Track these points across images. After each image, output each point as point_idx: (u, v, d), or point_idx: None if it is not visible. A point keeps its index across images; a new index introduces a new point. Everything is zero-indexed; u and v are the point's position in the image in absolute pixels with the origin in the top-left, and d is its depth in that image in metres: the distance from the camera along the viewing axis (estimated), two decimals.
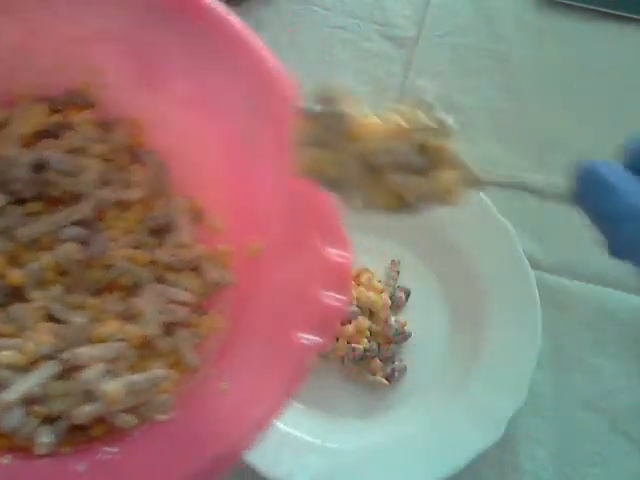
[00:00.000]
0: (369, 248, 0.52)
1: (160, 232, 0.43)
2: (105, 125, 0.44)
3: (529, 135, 0.58)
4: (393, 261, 0.53)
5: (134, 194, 0.43)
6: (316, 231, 0.36)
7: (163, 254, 0.42)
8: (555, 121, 0.58)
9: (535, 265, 0.52)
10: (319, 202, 0.37)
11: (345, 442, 0.48)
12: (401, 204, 0.31)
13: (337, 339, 0.50)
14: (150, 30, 0.41)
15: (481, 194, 0.52)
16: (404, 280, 0.52)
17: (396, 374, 0.50)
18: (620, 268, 0.54)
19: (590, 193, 0.28)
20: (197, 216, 0.43)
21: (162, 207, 0.44)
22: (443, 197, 0.32)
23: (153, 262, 0.42)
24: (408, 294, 0.52)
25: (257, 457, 0.46)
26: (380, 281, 0.52)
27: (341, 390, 0.50)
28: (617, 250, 0.27)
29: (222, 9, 0.40)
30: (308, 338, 0.34)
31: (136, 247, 0.42)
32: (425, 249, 0.53)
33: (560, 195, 0.30)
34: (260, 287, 0.38)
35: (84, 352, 0.37)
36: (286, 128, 0.36)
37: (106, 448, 0.35)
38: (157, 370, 0.38)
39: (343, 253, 0.36)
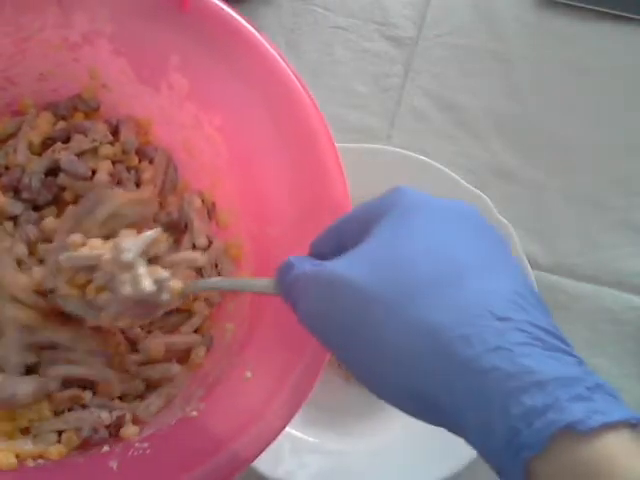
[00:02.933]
0: None
1: (175, 229, 0.43)
2: (111, 126, 0.45)
3: (529, 135, 0.58)
4: None
5: (145, 192, 0.43)
6: (327, 215, 0.37)
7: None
8: (555, 121, 0.58)
9: (535, 265, 0.52)
10: (329, 190, 0.38)
11: (345, 442, 0.48)
12: None
13: None
14: (138, 28, 0.41)
15: (481, 194, 0.52)
16: None
17: None
18: (620, 268, 0.54)
19: (280, 276, 0.31)
20: (209, 211, 0.44)
21: (175, 204, 0.44)
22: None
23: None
24: None
25: None
26: None
27: (341, 390, 0.50)
28: (301, 319, 0.30)
29: (222, 5, 0.40)
30: None
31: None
32: None
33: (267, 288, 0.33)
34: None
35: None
36: (285, 122, 0.38)
37: (137, 444, 0.36)
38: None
39: None
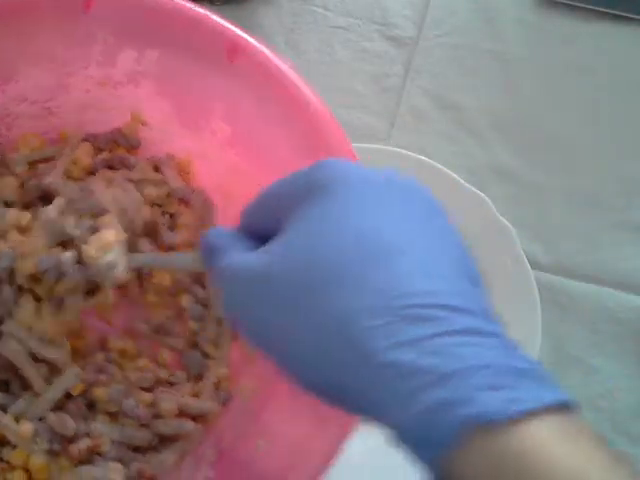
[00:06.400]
0: None
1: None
2: (152, 164, 0.44)
3: (529, 135, 0.58)
4: None
5: (179, 237, 0.43)
6: None
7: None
8: (555, 121, 0.58)
9: (535, 265, 0.52)
10: None
11: (346, 442, 0.48)
12: None
13: None
14: (185, 73, 0.40)
15: (481, 194, 0.52)
16: None
17: None
18: (620, 268, 0.54)
19: (204, 256, 0.32)
20: None
21: None
22: None
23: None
24: None
25: None
26: None
27: None
28: (224, 309, 0.30)
29: (270, 56, 0.39)
30: None
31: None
32: None
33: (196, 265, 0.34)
34: None
35: None
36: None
37: None
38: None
39: None
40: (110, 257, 0.35)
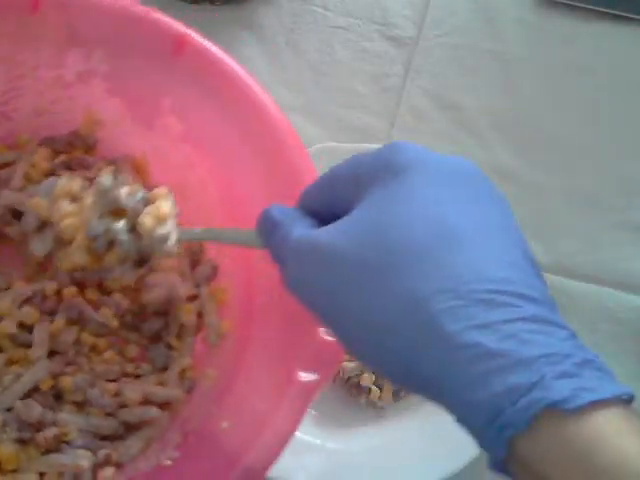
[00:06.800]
0: None
1: None
2: (110, 164, 0.44)
3: (529, 135, 0.58)
4: None
5: None
6: None
7: None
8: (555, 121, 0.58)
9: None
10: None
11: (345, 442, 0.48)
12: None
13: None
14: (132, 69, 0.41)
15: None
16: None
17: (402, 393, 0.49)
18: (620, 268, 0.54)
19: (264, 231, 0.32)
20: (197, 254, 0.44)
21: None
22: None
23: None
24: None
25: None
26: None
27: (341, 389, 0.50)
28: (287, 283, 0.30)
29: (215, 49, 0.40)
30: (308, 376, 0.35)
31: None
32: None
33: (250, 240, 0.33)
34: (256, 326, 0.39)
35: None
36: (275, 167, 0.38)
37: None
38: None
39: None
40: (164, 229, 0.35)
